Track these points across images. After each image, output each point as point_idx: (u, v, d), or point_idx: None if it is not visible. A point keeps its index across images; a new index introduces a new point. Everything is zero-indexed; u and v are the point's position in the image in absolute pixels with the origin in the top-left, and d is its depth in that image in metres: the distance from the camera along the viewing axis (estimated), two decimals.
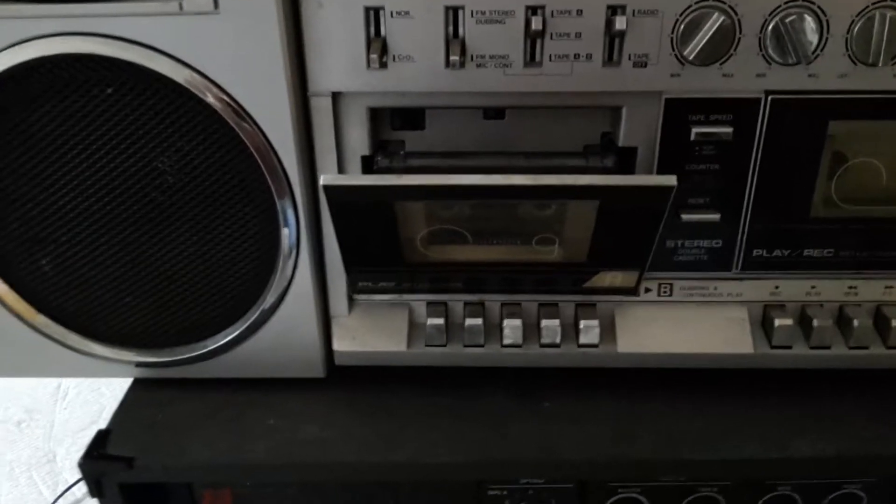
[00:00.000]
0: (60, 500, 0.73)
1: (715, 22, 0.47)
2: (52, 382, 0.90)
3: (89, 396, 0.89)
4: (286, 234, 0.53)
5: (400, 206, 0.49)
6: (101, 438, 0.56)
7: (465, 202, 0.51)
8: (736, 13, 0.47)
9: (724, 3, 0.46)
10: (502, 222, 0.53)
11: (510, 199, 0.50)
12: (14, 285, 0.56)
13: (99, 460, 0.55)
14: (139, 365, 0.60)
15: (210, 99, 0.48)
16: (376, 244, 0.52)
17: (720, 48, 0.48)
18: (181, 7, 0.45)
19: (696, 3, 0.46)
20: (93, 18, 0.46)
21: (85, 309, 0.57)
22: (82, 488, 0.74)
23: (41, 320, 0.57)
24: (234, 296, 0.56)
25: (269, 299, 0.55)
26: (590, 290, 0.56)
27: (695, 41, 0.47)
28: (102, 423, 0.83)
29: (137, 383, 0.62)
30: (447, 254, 0.54)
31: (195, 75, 0.47)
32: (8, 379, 0.63)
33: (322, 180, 0.47)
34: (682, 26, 0.47)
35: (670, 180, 0.47)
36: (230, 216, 0.53)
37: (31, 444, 0.81)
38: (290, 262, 0.54)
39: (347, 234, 0.51)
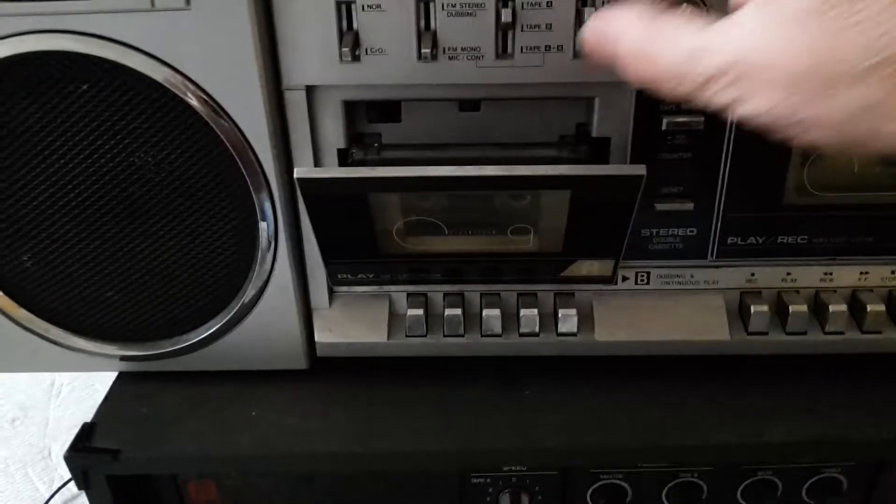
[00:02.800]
0: (56, 496, 0.74)
1: (682, 13, 0.47)
2: (45, 379, 0.91)
3: (83, 393, 0.89)
4: (264, 227, 0.53)
5: (375, 198, 0.50)
6: (86, 432, 0.57)
7: (441, 193, 0.52)
8: (704, 4, 0.47)
9: None
10: (478, 213, 0.53)
11: (484, 190, 0.51)
12: None
13: (85, 453, 0.56)
14: (123, 359, 0.60)
15: (185, 95, 0.48)
16: (353, 236, 0.53)
17: None
18: (153, 3, 0.46)
19: None
20: (65, 16, 0.46)
21: (67, 303, 0.57)
22: None
23: (23, 314, 0.58)
24: (215, 289, 0.56)
25: (250, 292, 0.56)
26: (567, 279, 0.57)
27: None
28: None
29: (122, 377, 0.63)
30: (424, 245, 0.54)
31: (169, 71, 0.48)
32: (1, 376, 0.64)
33: (296, 173, 0.47)
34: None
35: (640, 170, 0.47)
36: (208, 210, 0.53)
37: (26, 441, 0.82)
38: (269, 256, 0.55)
39: (323, 227, 0.51)
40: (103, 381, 0.88)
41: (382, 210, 0.51)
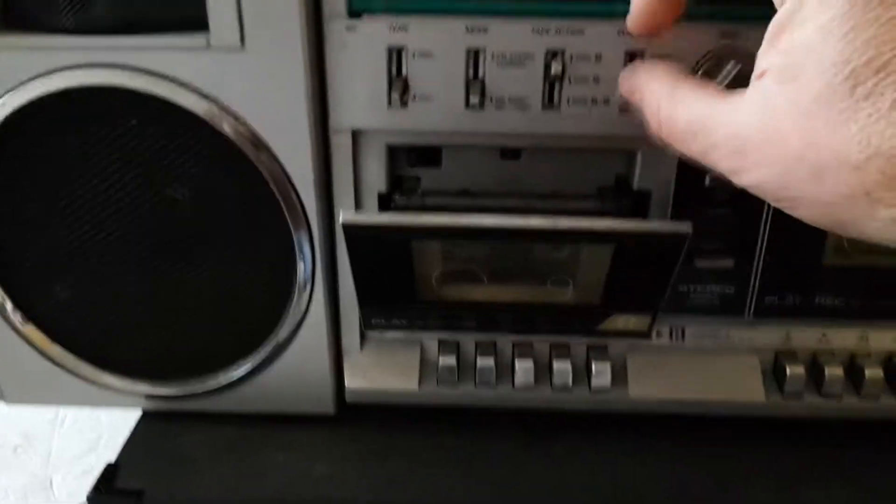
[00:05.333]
0: None
1: (731, 70, 0.47)
2: (50, 408, 0.90)
3: (87, 424, 0.88)
4: (302, 267, 0.53)
5: (417, 245, 0.50)
6: (110, 472, 0.56)
7: (482, 242, 0.52)
8: (752, 61, 0.47)
9: (740, 51, 0.47)
10: (517, 262, 0.53)
11: (527, 241, 0.50)
12: (29, 314, 0.56)
13: (108, 495, 0.54)
14: (150, 397, 0.59)
15: (231, 132, 0.49)
16: (392, 281, 0.52)
17: None
18: (208, 43, 0.46)
19: (711, 50, 0.47)
20: (120, 51, 0.47)
21: (99, 339, 0.57)
22: None
23: (55, 350, 0.57)
24: (249, 328, 0.56)
25: (283, 333, 0.55)
26: (602, 332, 0.56)
27: None
28: (100, 451, 0.83)
29: (147, 415, 0.62)
30: (461, 293, 0.54)
31: (219, 109, 0.48)
32: (7, 405, 0.63)
33: (341, 218, 0.47)
34: (699, 73, 0.48)
35: (685, 227, 0.47)
36: (247, 248, 0.53)
37: (28, 471, 0.81)
38: (305, 296, 0.54)
39: (364, 271, 0.51)
40: (108, 412, 0.88)
41: (423, 256, 0.51)
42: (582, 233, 0.48)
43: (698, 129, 0.36)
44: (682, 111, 0.38)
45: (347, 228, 0.48)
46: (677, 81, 0.39)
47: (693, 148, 0.37)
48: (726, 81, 0.47)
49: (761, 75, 0.33)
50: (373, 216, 0.50)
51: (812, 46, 0.30)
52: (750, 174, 0.34)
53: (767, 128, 0.32)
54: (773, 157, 0.32)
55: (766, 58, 0.33)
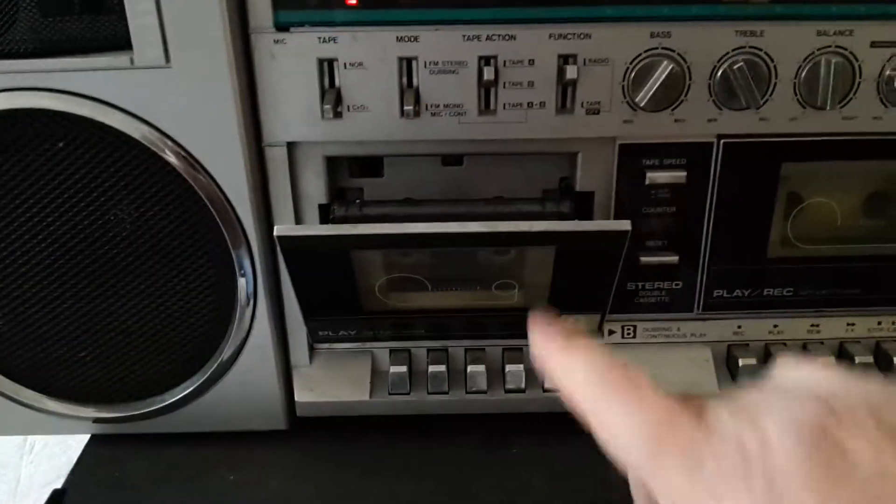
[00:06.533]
0: None
1: (665, 69, 0.47)
2: (18, 436, 0.88)
3: (56, 449, 0.86)
4: (243, 284, 0.52)
5: (357, 255, 0.49)
6: (56, 498, 0.55)
7: (425, 250, 0.51)
8: (685, 60, 0.47)
9: (674, 51, 0.47)
10: (462, 268, 0.53)
11: (467, 247, 0.50)
12: None
13: None
14: (96, 421, 0.58)
15: (162, 152, 0.48)
16: (334, 293, 0.52)
17: (671, 94, 0.48)
18: (132, 62, 0.45)
19: (645, 51, 0.47)
20: (43, 74, 0.46)
21: (39, 364, 0.55)
22: None
23: None
24: (192, 348, 0.55)
25: (228, 351, 0.55)
26: None
27: (646, 88, 0.48)
28: None
29: (95, 439, 0.61)
30: (407, 301, 0.53)
31: (147, 128, 0.47)
32: None
33: (276, 231, 0.46)
34: (632, 74, 0.48)
35: (624, 225, 0.47)
36: (185, 267, 0.52)
37: None
38: (248, 313, 0.53)
39: (304, 284, 0.50)
40: (77, 437, 0.86)
41: (365, 267, 0.50)
42: (521, 236, 0.48)
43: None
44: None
45: (283, 241, 0.47)
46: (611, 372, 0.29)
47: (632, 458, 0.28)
48: (659, 82, 0.47)
49: None
50: (308, 228, 0.49)
51: None
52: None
53: None
54: None
55: None
